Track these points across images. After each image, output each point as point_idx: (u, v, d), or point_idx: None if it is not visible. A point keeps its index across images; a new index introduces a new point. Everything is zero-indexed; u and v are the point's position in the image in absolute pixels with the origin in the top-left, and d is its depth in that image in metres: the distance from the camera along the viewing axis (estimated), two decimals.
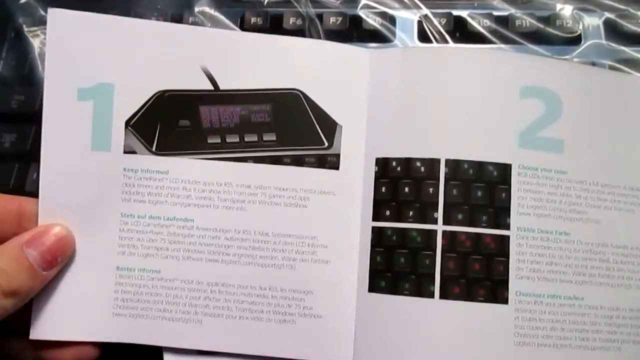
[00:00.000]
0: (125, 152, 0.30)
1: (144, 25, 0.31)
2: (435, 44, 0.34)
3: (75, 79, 0.30)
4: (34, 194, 0.30)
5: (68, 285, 0.29)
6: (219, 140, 0.30)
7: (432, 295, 0.28)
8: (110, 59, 0.30)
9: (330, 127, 0.30)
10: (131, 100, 0.30)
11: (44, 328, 0.29)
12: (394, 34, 0.35)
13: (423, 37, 0.35)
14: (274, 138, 0.30)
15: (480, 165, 0.28)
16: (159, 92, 0.30)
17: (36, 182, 0.30)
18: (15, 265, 0.26)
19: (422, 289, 0.28)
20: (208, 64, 0.31)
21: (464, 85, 0.29)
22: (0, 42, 0.37)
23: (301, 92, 0.30)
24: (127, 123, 0.30)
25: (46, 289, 0.29)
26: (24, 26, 0.36)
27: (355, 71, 0.30)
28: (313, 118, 0.30)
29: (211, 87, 0.31)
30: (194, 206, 0.30)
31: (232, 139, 0.30)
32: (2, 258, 0.27)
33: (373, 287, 0.29)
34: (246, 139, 0.30)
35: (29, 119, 0.34)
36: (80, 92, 0.30)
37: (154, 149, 0.30)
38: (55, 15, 0.30)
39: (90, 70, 0.30)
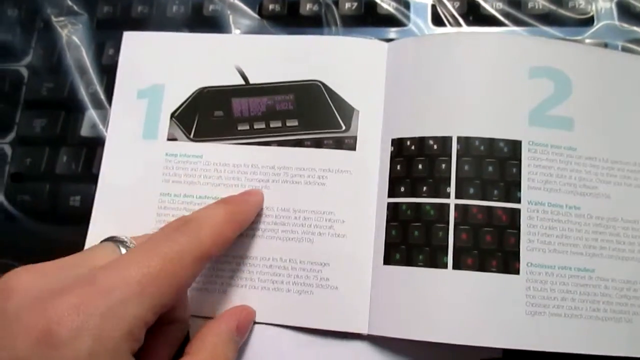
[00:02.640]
0: (168, 140, 0.33)
1: (190, 38, 0.35)
2: (449, 28, 0.36)
3: (137, 82, 0.35)
4: (64, 175, 0.34)
5: None
6: (247, 127, 0.33)
7: (445, 266, 0.29)
8: (163, 65, 0.35)
9: (347, 112, 0.32)
10: (177, 96, 0.34)
11: None
12: (408, 18, 0.36)
13: (437, 20, 0.36)
14: (296, 123, 0.33)
15: (491, 142, 0.30)
16: (199, 88, 0.34)
17: (66, 165, 0.34)
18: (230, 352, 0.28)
19: (435, 260, 0.29)
20: (241, 63, 0.34)
21: (474, 67, 0.31)
22: (30, 32, 0.38)
23: (322, 82, 0.33)
24: (172, 115, 0.34)
25: None
26: (52, 17, 0.38)
27: (372, 62, 0.33)
28: (332, 105, 0.33)
29: (242, 82, 0.34)
30: (224, 186, 0.32)
31: (259, 125, 0.33)
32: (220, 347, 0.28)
33: (388, 260, 0.30)
34: (271, 125, 0.33)
35: (58, 106, 0.36)
36: (139, 92, 0.35)
37: (192, 136, 0.33)
38: (129, 37, 0.36)
39: (148, 75, 0.35)
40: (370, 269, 0.30)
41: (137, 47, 0.35)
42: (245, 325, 0.30)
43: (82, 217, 0.33)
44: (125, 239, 0.27)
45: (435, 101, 0.31)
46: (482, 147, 0.30)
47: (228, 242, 0.28)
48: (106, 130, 0.35)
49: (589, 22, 0.35)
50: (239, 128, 0.33)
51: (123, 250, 0.26)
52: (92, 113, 0.36)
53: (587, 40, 0.35)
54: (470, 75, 0.31)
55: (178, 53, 0.35)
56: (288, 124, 0.33)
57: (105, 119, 0.35)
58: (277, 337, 0.31)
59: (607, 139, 0.30)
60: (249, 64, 0.34)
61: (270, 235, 0.31)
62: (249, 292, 0.31)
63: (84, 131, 0.35)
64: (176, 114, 0.34)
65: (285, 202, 0.32)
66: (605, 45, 0.34)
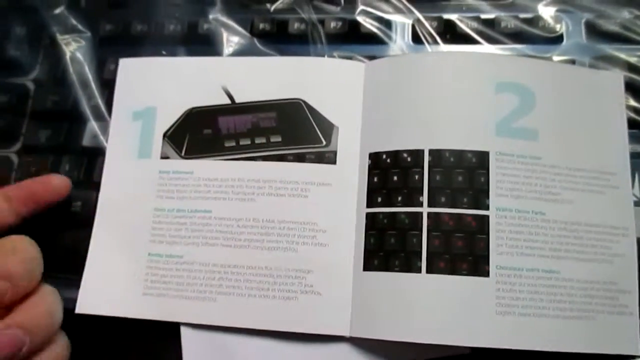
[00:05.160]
0: (161, 158, 0.36)
1: (179, 62, 0.38)
2: (427, 46, 0.38)
3: (132, 105, 0.37)
4: None
5: (110, 269, 0.34)
6: (234, 144, 0.35)
7: (419, 271, 0.31)
8: (156, 88, 0.37)
9: (327, 128, 0.34)
10: (169, 117, 0.36)
11: (88, 304, 0.34)
12: (389, 37, 0.39)
13: (416, 39, 0.38)
14: (280, 139, 0.35)
15: (460, 153, 0.32)
16: (189, 109, 0.36)
17: (68, 173, 0.36)
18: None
19: (410, 265, 0.31)
20: (227, 84, 0.36)
21: (443, 84, 0.33)
22: (36, 49, 0.41)
23: (303, 100, 0.35)
24: (165, 135, 0.36)
25: (92, 271, 0.34)
26: (57, 35, 0.40)
27: (351, 81, 0.35)
28: (313, 121, 0.35)
29: (229, 102, 0.36)
30: (212, 199, 0.34)
31: (245, 141, 0.35)
32: None
33: (368, 266, 0.32)
34: (256, 141, 0.35)
35: (62, 117, 0.38)
36: (134, 114, 0.37)
37: (183, 154, 0.36)
38: (124, 63, 0.38)
39: (142, 98, 0.37)
40: (351, 275, 0.32)
41: (132, 72, 0.38)
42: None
43: (83, 222, 0.35)
44: None
45: (408, 117, 0.33)
46: (452, 159, 0.32)
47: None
48: (106, 141, 0.37)
49: (558, 39, 0.37)
50: (226, 145, 0.35)
51: None
52: (93, 124, 0.38)
53: (556, 57, 0.36)
54: (440, 91, 0.33)
55: (169, 76, 0.37)
56: (272, 140, 0.35)
57: (105, 130, 0.37)
58: (264, 346, 0.33)
59: (570, 148, 0.32)
60: (235, 84, 0.36)
61: (256, 245, 0.33)
62: (237, 299, 0.33)
63: (86, 141, 0.38)
64: (168, 133, 0.36)
65: (271, 214, 0.33)
66: (574, 62, 0.36)
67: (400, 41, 0.39)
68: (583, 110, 0.33)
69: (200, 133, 0.36)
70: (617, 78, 0.34)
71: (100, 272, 0.34)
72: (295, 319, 0.32)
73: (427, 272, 0.30)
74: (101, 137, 0.37)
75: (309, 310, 0.32)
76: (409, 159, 0.32)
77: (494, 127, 0.32)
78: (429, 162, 0.32)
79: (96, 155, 0.37)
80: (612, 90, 0.33)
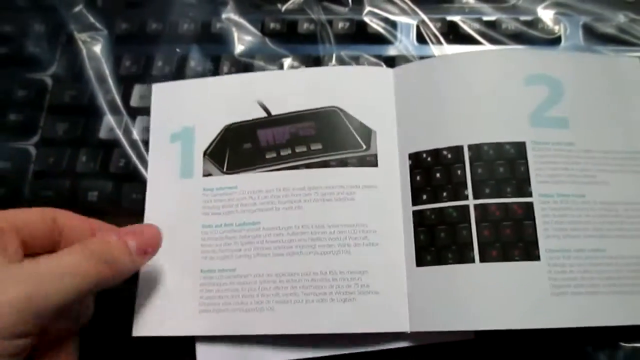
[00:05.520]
0: (204, 176, 0.36)
1: (214, 81, 0.39)
2: (431, 46, 0.40)
3: (169, 127, 0.38)
4: (83, 174, 0.38)
5: (164, 289, 0.34)
6: (274, 155, 0.36)
7: (473, 261, 0.32)
8: (191, 109, 0.38)
9: (366, 133, 0.36)
10: (207, 135, 0.37)
11: (144, 326, 0.34)
12: (395, 37, 0.40)
13: (421, 39, 0.40)
14: (320, 147, 0.36)
15: (498, 146, 0.33)
16: (226, 125, 0.37)
17: (85, 164, 0.38)
18: (120, 251, 0.30)
19: (464, 257, 0.32)
20: (262, 98, 0.37)
21: (475, 82, 0.35)
22: (55, 46, 0.42)
23: (339, 108, 0.36)
24: (205, 153, 0.37)
25: (146, 293, 0.34)
26: (75, 32, 0.42)
27: (381, 86, 0.36)
28: (351, 127, 0.36)
29: (265, 115, 0.37)
30: (259, 211, 0.35)
31: (285, 151, 0.36)
32: (110, 248, 0.30)
33: (420, 262, 0.33)
34: (297, 150, 0.36)
35: (79, 111, 0.40)
36: (172, 136, 0.38)
37: (225, 169, 0.36)
38: (158, 88, 0.39)
39: (179, 119, 0.38)
40: (404, 271, 0.33)
41: (165, 95, 0.38)
42: (148, 243, 0.31)
43: (98, 211, 0.36)
44: None
45: (444, 116, 0.34)
46: (491, 152, 0.33)
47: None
48: (122, 135, 0.38)
49: (556, 41, 0.39)
50: (267, 156, 0.36)
51: None
52: (109, 118, 0.39)
53: None
54: (473, 89, 0.34)
55: (202, 96, 0.38)
56: (312, 148, 0.36)
57: (121, 124, 0.39)
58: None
59: (599, 132, 0.34)
60: (269, 98, 0.37)
61: (309, 251, 0.34)
62: (296, 306, 0.33)
63: (102, 134, 0.39)
64: (208, 151, 0.37)
65: (320, 219, 0.34)
66: None
67: (405, 41, 0.40)
68: (608, 95, 0.35)
69: (240, 148, 0.37)
70: (636, 63, 0.36)
71: (154, 293, 0.34)
72: (355, 319, 0.33)
73: (481, 261, 0.32)
74: (117, 130, 0.39)
75: (368, 310, 0.33)
76: (449, 156, 0.34)
77: (528, 118, 0.34)
78: (470, 156, 0.33)
79: (112, 147, 0.39)
80: (633, 74, 0.35)
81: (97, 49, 0.42)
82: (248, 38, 0.41)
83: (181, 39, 0.42)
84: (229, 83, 0.38)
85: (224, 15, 0.42)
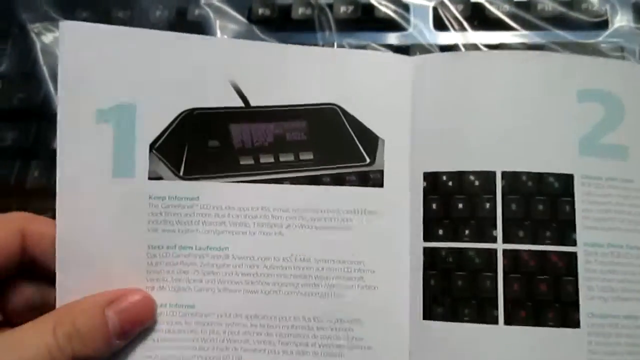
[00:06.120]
0: (150, 178, 0.28)
1: (166, 38, 0.29)
2: (452, 33, 0.35)
3: (92, 99, 0.28)
4: (35, 190, 0.33)
5: None
6: (252, 161, 0.28)
7: (495, 321, 0.26)
8: (131, 76, 0.28)
9: (371, 142, 0.28)
10: (155, 121, 0.28)
11: None
12: (408, 22, 0.36)
13: (439, 24, 0.35)
14: (311, 157, 0.28)
15: (540, 177, 0.26)
16: (186, 110, 0.28)
17: (37, 179, 0.34)
18: (93, 329, 0.25)
19: (484, 315, 0.26)
20: (237, 79, 0.28)
21: (516, 91, 0.27)
22: (5, 37, 0.37)
23: (339, 106, 0.28)
24: (152, 146, 0.28)
25: None
26: (28, 23, 0.37)
27: (396, 81, 0.28)
28: (352, 133, 0.28)
29: (242, 104, 0.29)
30: (229, 233, 0.27)
31: (266, 159, 0.28)
32: (81, 317, 0.25)
33: (428, 314, 0.26)
34: (281, 159, 0.28)
35: (30, 116, 0.35)
36: (98, 113, 0.28)
37: (181, 173, 0.28)
38: (68, 29, 0.28)
39: (109, 90, 0.28)
40: (407, 325, 0.27)
41: (87, 47, 0.28)
42: (132, 319, 0.26)
43: None
44: None
45: (473, 129, 0.27)
46: (530, 183, 0.26)
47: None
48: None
49: (603, 25, 0.35)
50: (242, 162, 0.28)
51: None
52: None
53: (603, 45, 0.33)
54: (513, 99, 0.27)
55: (151, 60, 0.28)
56: (302, 158, 0.28)
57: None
58: None
59: None
60: (248, 81, 0.28)
61: (288, 291, 0.27)
62: (268, 357, 0.27)
63: None
64: (157, 144, 0.28)
65: (304, 251, 0.27)
66: (622, 50, 0.33)
67: (420, 27, 0.36)
68: None
69: (203, 145, 0.28)
70: None
71: None
72: None
73: (506, 323, 0.26)
74: None
75: None
76: (477, 183, 0.27)
77: (577, 144, 0.27)
78: (503, 186, 0.26)
79: None
80: None
81: (54, 42, 0.37)
82: (232, 26, 0.36)
83: (153, 28, 0.33)
84: (192, 47, 0.28)
85: (202, 0, 0.37)
